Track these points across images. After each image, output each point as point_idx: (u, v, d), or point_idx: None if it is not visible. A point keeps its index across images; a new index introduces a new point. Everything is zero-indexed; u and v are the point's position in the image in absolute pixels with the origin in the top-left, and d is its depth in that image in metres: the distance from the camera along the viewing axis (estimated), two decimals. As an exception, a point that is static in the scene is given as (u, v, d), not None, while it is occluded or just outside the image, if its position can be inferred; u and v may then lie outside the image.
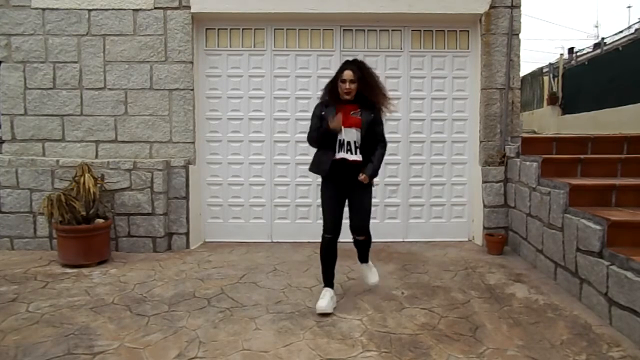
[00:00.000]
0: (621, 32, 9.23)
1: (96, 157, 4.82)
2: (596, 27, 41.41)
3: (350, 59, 3.27)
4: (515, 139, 4.79)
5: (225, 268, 4.09)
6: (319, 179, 3.25)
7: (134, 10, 4.72)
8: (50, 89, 4.78)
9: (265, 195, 5.07)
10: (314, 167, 3.21)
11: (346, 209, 3.20)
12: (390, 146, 4.98)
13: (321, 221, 3.21)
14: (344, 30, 4.98)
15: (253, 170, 5.06)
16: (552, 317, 3.01)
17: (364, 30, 5.00)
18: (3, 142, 4.85)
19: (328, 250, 3.18)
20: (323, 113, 3.14)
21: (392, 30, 5.00)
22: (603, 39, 9.85)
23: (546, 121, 10.39)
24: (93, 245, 4.16)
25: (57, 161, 4.63)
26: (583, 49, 10.94)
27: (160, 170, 4.59)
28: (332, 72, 4.99)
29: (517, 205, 4.50)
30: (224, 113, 5.03)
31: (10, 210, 4.63)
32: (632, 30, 8.93)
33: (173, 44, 4.74)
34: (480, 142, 4.88)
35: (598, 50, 9.61)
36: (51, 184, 4.60)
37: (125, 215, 4.59)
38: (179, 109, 4.79)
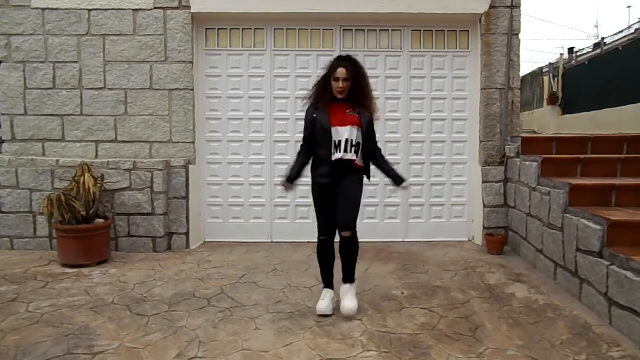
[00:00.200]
0: (621, 32, 9.23)
1: (96, 157, 4.82)
2: (596, 27, 41.41)
3: (343, 55, 3.17)
4: (515, 139, 4.79)
5: (225, 268, 4.09)
6: None
7: (134, 10, 4.72)
8: (50, 89, 4.78)
9: (265, 195, 5.07)
10: (318, 177, 3.07)
11: None
12: (390, 146, 5.05)
13: (321, 221, 3.20)
14: (344, 30, 4.99)
15: (253, 170, 5.06)
16: (552, 317, 3.01)
17: (364, 30, 5.00)
18: (3, 142, 4.85)
19: (324, 252, 3.14)
20: (315, 116, 3.03)
21: (392, 30, 5.00)
22: (603, 39, 9.84)
23: (546, 121, 10.39)
24: (93, 245, 4.16)
25: (57, 161, 4.63)
26: (583, 49, 10.94)
27: (160, 170, 4.59)
28: (332, 72, 5.03)
29: (517, 205, 4.50)
30: (224, 113, 5.03)
31: (10, 210, 4.63)
32: (632, 30, 8.92)
33: (173, 44, 4.74)
34: (480, 142, 4.89)
35: (598, 50, 9.61)
36: (51, 184, 4.60)
37: (125, 215, 4.59)
38: (179, 109, 4.79)
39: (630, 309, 2.67)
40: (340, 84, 2.97)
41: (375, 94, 5.03)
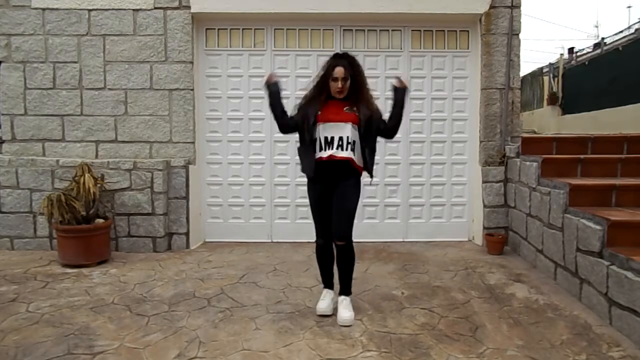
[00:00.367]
0: (621, 32, 9.24)
1: (96, 157, 4.82)
2: (596, 27, 41.49)
3: (340, 52, 3.09)
4: (515, 139, 4.79)
5: (225, 268, 4.09)
6: None
7: (134, 10, 4.72)
8: (50, 89, 4.78)
9: (265, 195, 5.07)
10: (305, 168, 3.01)
11: None
12: (390, 146, 5.05)
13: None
14: (344, 30, 4.99)
15: (253, 170, 5.06)
16: (552, 317, 3.01)
17: (364, 30, 5.00)
18: (3, 142, 4.85)
19: (323, 254, 3.10)
20: (303, 102, 3.02)
21: (392, 30, 5.00)
22: (603, 39, 9.85)
23: (546, 121, 10.40)
24: (93, 245, 4.16)
25: (57, 161, 4.63)
26: (583, 49, 10.95)
27: (160, 170, 4.59)
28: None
29: (517, 205, 4.50)
30: (224, 113, 5.03)
31: (10, 210, 4.63)
32: (632, 30, 8.93)
33: (173, 44, 4.74)
34: (480, 142, 4.89)
35: (598, 50, 9.62)
36: (51, 184, 4.60)
37: (125, 215, 4.59)
38: (179, 109, 4.79)
39: (630, 309, 2.67)
40: (339, 84, 2.88)
41: (375, 94, 5.07)
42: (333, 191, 2.95)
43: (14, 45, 4.74)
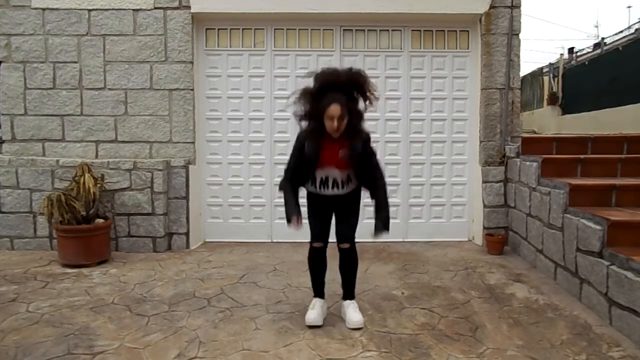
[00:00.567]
0: (621, 32, 9.24)
1: (96, 157, 4.82)
2: (596, 27, 41.47)
3: (334, 69, 2.82)
4: (515, 139, 4.79)
5: (225, 268, 4.09)
6: None
7: (134, 10, 4.72)
8: (50, 89, 4.78)
9: (265, 195, 5.07)
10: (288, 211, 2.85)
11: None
12: (390, 146, 5.06)
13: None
14: (344, 30, 4.98)
15: (253, 170, 5.06)
16: (552, 317, 3.01)
17: (364, 30, 5.00)
18: (3, 142, 4.85)
19: (317, 260, 2.98)
20: (305, 147, 2.77)
21: (392, 30, 5.00)
22: (603, 39, 9.85)
23: (546, 121, 10.39)
24: (93, 245, 4.16)
25: (57, 161, 4.63)
26: (583, 49, 10.95)
27: (160, 170, 4.59)
28: (332, 72, 5.02)
29: (517, 205, 4.50)
30: (224, 113, 5.03)
31: (10, 210, 4.63)
32: (632, 30, 8.93)
33: (173, 44, 4.74)
34: (480, 142, 4.89)
35: (598, 50, 9.62)
36: (51, 184, 4.60)
37: (125, 215, 4.59)
38: (179, 109, 4.79)
39: (630, 309, 2.67)
40: (335, 124, 2.66)
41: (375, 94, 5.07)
42: (334, 201, 2.94)
43: (14, 45, 4.74)
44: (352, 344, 2.66)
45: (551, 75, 10.86)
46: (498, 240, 4.53)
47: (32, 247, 4.64)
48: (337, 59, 4.97)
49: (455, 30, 5.01)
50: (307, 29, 4.98)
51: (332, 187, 2.87)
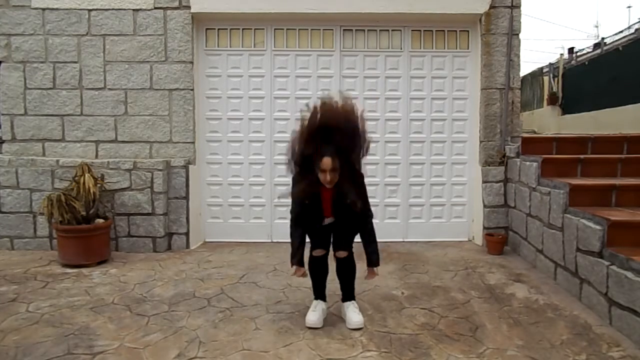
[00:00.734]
0: (621, 32, 9.25)
1: (96, 157, 4.82)
2: (596, 27, 41.49)
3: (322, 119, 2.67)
4: (515, 139, 4.79)
5: (225, 268, 4.09)
6: None
7: (134, 10, 4.72)
8: (50, 89, 4.78)
9: (265, 195, 5.07)
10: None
11: None
12: (390, 146, 5.06)
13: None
14: (344, 30, 4.98)
15: (253, 170, 5.06)
16: (552, 317, 3.01)
17: (364, 30, 5.00)
18: (3, 142, 4.85)
19: (318, 267, 2.98)
20: (307, 202, 2.77)
21: (392, 30, 5.00)
22: (603, 39, 9.85)
23: (546, 121, 10.39)
24: (93, 245, 4.16)
25: (57, 161, 4.63)
26: (583, 49, 10.95)
27: (160, 170, 4.59)
28: (332, 72, 5.07)
29: (517, 205, 4.50)
30: (224, 113, 5.03)
31: (10, 210, 4.63)
32: (632, 30, 8.94)
33: (173, 44, 4.74)
34: (480, 142, 4.89)
35: (598, 50, 9.62)
36: (51, 184, 4.60)
37: (125, 215, 4.59)
38: (179, 109, 4.79)
39: (630, 309, 2.67)
40: (328, 177, 2.65)
41: (374, 94, 5.08)
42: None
43: (14, 45, 4.74)
44: (352, 344, 2.66)
45: (551, 75, 10.85)
46: (498, 240, 4.53)
47: (32, 247, 4.64)
48: (337, 59, 4.97)
49: (455, 30, 5.01)
50: (307, 29, 4.98)
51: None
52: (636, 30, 8.51)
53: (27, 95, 4.79)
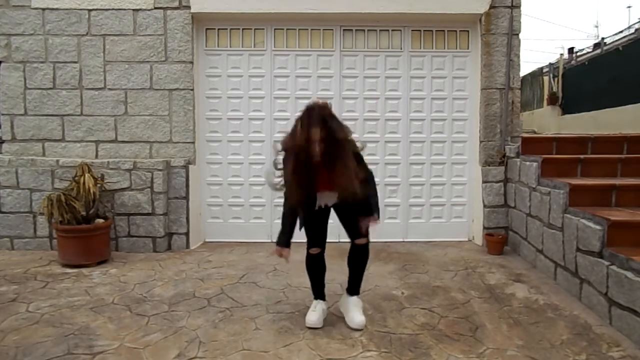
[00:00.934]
0: (621, 32, 9.24)
1: (96, 157, 4.82)
2: (596, 27, 41.46)
3: (310, 106, 2.66)
4: (515, 139, 4.79)
5: (225, 268, 4.09)
6: None
7: (134, 10, 4.72)
8: (50, 89, 4.78)
9: (265, 195, 5.06)
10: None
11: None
12: (390, 146, 5.06)
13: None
14: (344, 30, 4.98)
15: (253, 170, 5.06)
16: (552, 317, 3.01)
17: (364, 30, 5.00)
18: (3, 142, 4.85)
19: (316, 265, 2.96)
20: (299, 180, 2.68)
21: (392, 30, 5.00)
22: (603, 39, 9.85)
23: (546, 121, 10.39)
24: (93, 245, 4.16)
25: (57, 161, 4.63)
26: (583, 49, 10.94)
27: (160, 170, 4.59)
28: (332, 72, 5.07)
29: (517, 205, 4.50)
30: (224, 113, 5.03)
31: (10, 210, 4.63)
32: (632, 30, 8.93)
33: (173, 44, 4.74)
34: (480, 142, 4.89)
35: (598, 50, 9.61)
36: (51, 184, 4.60)
37: (125, 215, 4.59)
38: (179, 109, 4.79)
39: (630, 309, 2.67)
40: (317, 147, 2.61)
41: (374, 94, 5.08)
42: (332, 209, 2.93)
43: (14, 45, 4.74)
44: (352, 344, 2.66)
45: (551, 75, 10.85)
46: (498, 240, 4.53)
47: (32, 247, 4.64)
48: (337, 59, 4.97)
49: (455, 30, 5.01)
50: (307, 29, 4.98)
51: (331, 205, 2.88)
52: (636, 30, 8.51)
53: (27, 95, 4.79)
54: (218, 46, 4.99)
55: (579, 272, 3.29)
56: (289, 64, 5.00)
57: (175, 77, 4.76)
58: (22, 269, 4.02)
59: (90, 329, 2.82)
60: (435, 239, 5.03)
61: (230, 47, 4.99)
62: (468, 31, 5.00)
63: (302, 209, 2.83)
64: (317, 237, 2.93)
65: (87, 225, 4.16)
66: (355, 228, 2.88)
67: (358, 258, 2.95)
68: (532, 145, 4.52)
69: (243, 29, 4.97)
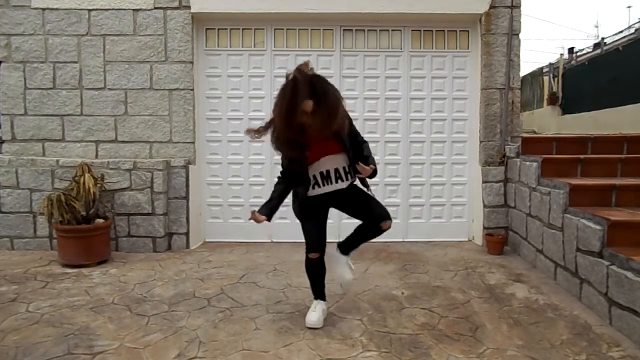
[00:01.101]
0: (621, 32, 9.24)
1: (96, 157, 4.82)
2: (596, 27, 41.51)
3: (298, 76, 2.54)
4: (515, 139, 4.79)
5: (225, 268, 4.09)
6: None
7: (134, 10, 4.72)
8: (50, 89, 4.78)
9: (265, 195, 5.01)
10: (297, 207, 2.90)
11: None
12: (390, 146, 5.06)
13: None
14: (344, 30, 4.98)
15: (253, 170, 5.06)
16: (552, 317, 3.01)
17: (364, 30, 5.00)
18: (3, 142, 4.85)
19: (315, 269, 2.93)
20: (280, 145, 2.71)
21: (392, 30, 5.00)
22: (603, 39, 9.85)
23: (546, 121, 10.39)
24: (93, 245, 4.16)
25: (57, 161, 4.63)
26: (583, 49, 10.95)
27: (160, 170, 4.59)
28: (332, 72, 5.07)
29: (517, 205, 4.50)
30: (224, 113, 5.03)
31: (10, 210, 4.63)
32: (632, 30, 8.93)
33: (173, 44, 4.74)
34: (480, 142, 4.89)
35: (598, 50, 9.61)
36: (51, 184, 4.60)
37: (125, 215, 4.59)
38: (179, 109, 4.79)
39: (630, 309, 2.67)
40: (310, 120, 2.57)
41: (374, 94, 5.08)
42: (339, 204, 2.91)
43: (14, 45, 4.74)
44: (352, 344, 2.66)
45: (551, 75, 10.85)
46: (498, 240, 4.53)
47: (32, 247, 4.64)
48: (337, 59, 4.97)
49: (455, 30, 5.01)
50: (307, 29, 4.98)
51: (336, 180, 2.80)
52: (636, 30, 8.50)
53: (27, 95, 4.79)
54: (218, 46, 4.99)
55: (579, 272, 3.29)
56: (289, 64, 4.99)
57: (175, 77, 4.76)
58: (22, 269, 4.02)
59: (90, 329, 2.82)
60: (435, 239, 5.03)
61: (230, 47, 4.99)
62: (468, 31, 5.00)
63: (298, 167, 2.79)
64: (316, 240, 2.89)
65: (87, 225, 4.16)
66: (374, 212, 2.81)
67: (373, 234, 2.88)
68: (532, 145, 4.52)
69: (243, 29, 4.98)
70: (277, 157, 4.94)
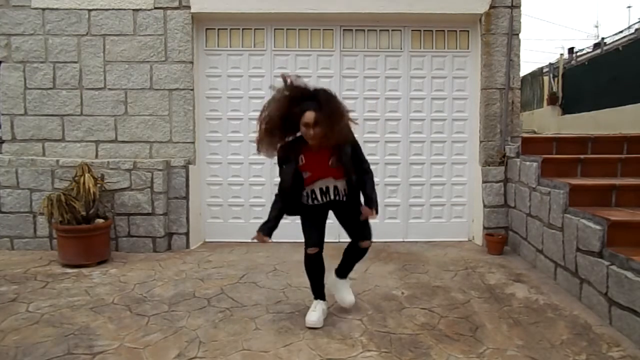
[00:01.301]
0: (621, 32, 9.24)
1: (96, 157, 4.82)
2: (596, 27, 41.53)
3: (302, 85, 2.66)
4: (515, 139, 4.79)
5: (225, 268, 4.09)
6: None
7: (134, 10, 4.72)
8: (50, 89, 4.78)
9: (265, 195, 5.06)
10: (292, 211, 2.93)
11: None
12: (390, 146, 5.06)
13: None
14: (344, 30, 4.98)
15: (253, 170, 5.06)
16: (552, 317, 3.01)
17: (364, 30, 5.00)
18: (3, 142, 4.85)
19: (314, 265, 2.95)
20: (284, 167, 2.77)
21: (392, 30, 5.00)
22: (603, 39, 9.85)
23: (546, 121, 10.40)
24: (93, 245, 4.16)
25: (57, 161, 4.63)
26: (583, 49, 10.95)
27: (160, 170, 4.59)
28: (332, 72, 5.08)
29: (517, 205, 4.50)
30: (224, 113, 5.03)
31: (10, 210, 4.63)
32: (632, 30, 8.93)
33: (173, 44, 4.74)
34: (480, 142, 4.89)
35: (598, 50, 9.62)
36: (51, 184, 4.60)
37: (125, 215, 4.59)
38: (179, 109, 4.79)
39: (630, 309, 2.67)
40: (311, 132, 2.59)
41: (374, 94, 5.09)
42: (334, 207, 2.95)
43: (14, 45, 4.74)
44: (352, 344, 2.66)
45: (551, 75, 10.85)
46: (498, 240, 4.53)
47: (32, 247, 4.64)
48: (337, 59, 4.97)
49: (455, 30, 5.01)
50: (307, 29, 4.98)
51: (334, 196, 2.87)
52: (636, 30, 8.51)
53: (27, 95, 4.79)
54: (218, 46, 4.99)
55: (579, 272, 3.29)
56: (289, 64, 5.00)
57: (175, 77, 4.76)
58: (22, 269, 4.02)
59: (90, 329, 2.82)
60: (435, 239, 5.03)
61: (230, 47, 4.99)
62: (468, 31, 5.00)
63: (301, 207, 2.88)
64: (315, 235, 2.92)
65: (87, 225, 4.16)
66: (358, 229, 2.96)
67: (357, 255, 3.06)
68: (532, 145, 4.52)
69: (243, 29, 4.97)
70: (277, 157, 4.97)
